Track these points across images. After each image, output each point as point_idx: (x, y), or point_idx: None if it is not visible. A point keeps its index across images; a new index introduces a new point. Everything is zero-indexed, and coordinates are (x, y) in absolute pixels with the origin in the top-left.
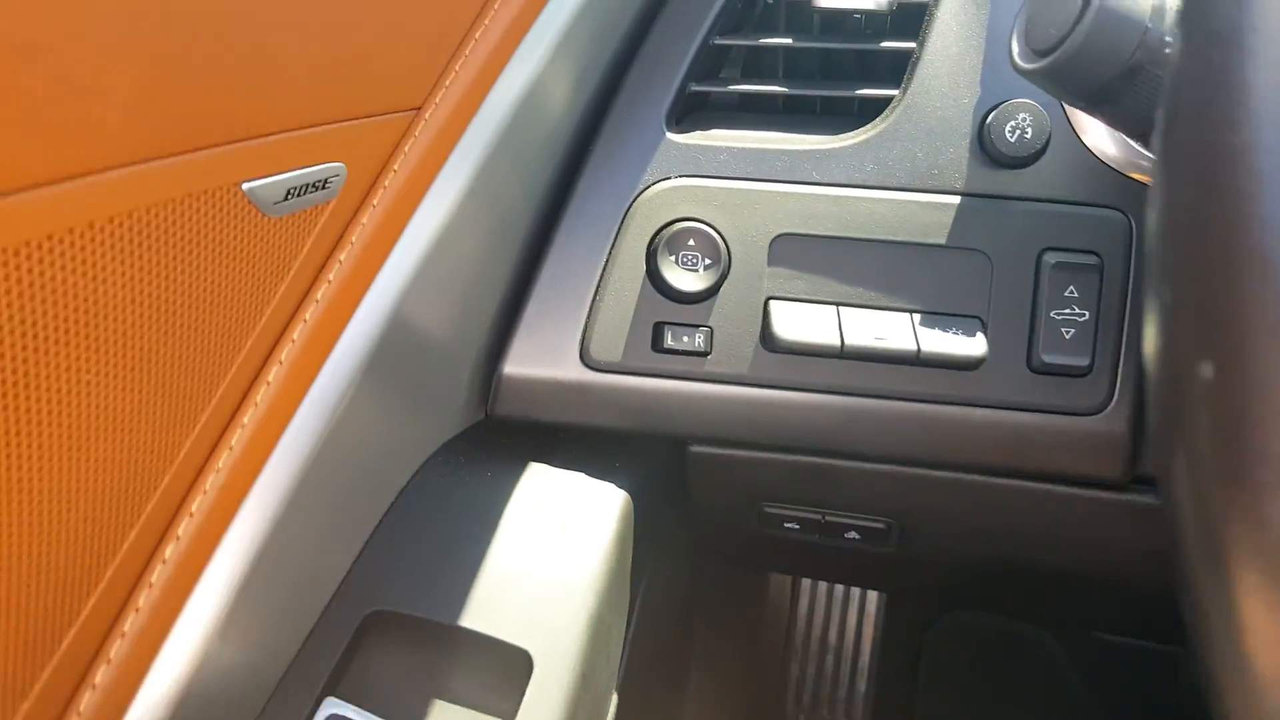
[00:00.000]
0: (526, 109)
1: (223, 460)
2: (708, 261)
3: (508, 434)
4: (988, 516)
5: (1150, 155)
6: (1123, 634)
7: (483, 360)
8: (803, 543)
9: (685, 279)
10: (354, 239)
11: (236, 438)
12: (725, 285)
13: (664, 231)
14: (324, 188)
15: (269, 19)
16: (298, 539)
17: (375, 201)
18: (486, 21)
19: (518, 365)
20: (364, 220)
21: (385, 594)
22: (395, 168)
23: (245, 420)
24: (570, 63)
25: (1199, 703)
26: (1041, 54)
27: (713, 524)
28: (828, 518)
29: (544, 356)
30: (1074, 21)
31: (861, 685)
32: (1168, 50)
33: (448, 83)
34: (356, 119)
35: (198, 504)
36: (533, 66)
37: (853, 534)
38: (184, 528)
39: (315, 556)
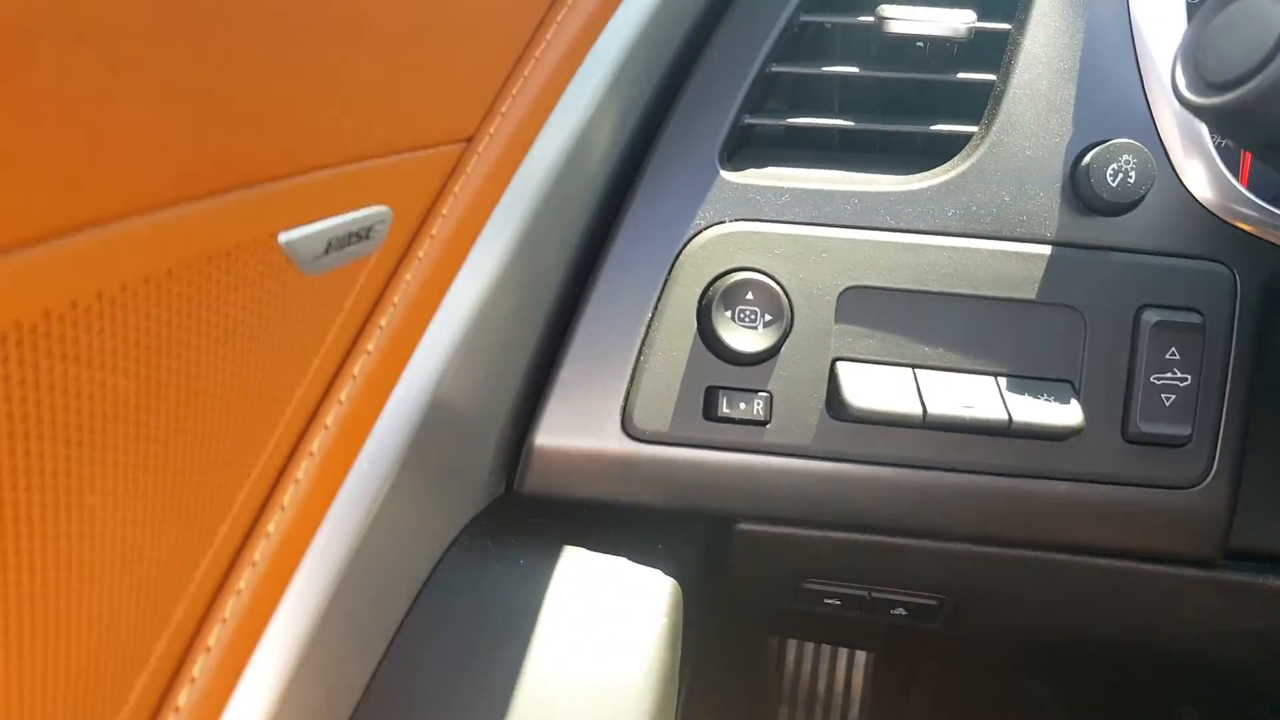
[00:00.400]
0: (579, 142)
1: (243, 580)
2: (768, 318)
3: (535, 511)
4: (1057, 593)
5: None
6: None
7: (509, 429)
8: (838, 617)
9: (742, 338)
10: (396, 299)
11: (260, 552)
12: (787, 345)
13: (718, 283)
14: (367, 237)
15: (307, 36)
16: (326, 652)
17: (421, 253)
18: (547, 39)
19: (550, 435)
20: (408, 276)
21: (412, 712)
22: (445, 211)
23: (270, 529)
24: (623, 92)
25: None
26: (1220, 88)
27: (744, 599)
28: (874, 594)
29: (580, 425)
30: (1272, 51)
31: None
32: None
33: (503, 109)
34: (403, 153)
35: (227, 613)
36: (590, 93)
37: (899, 610)
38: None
39: (340, 670)
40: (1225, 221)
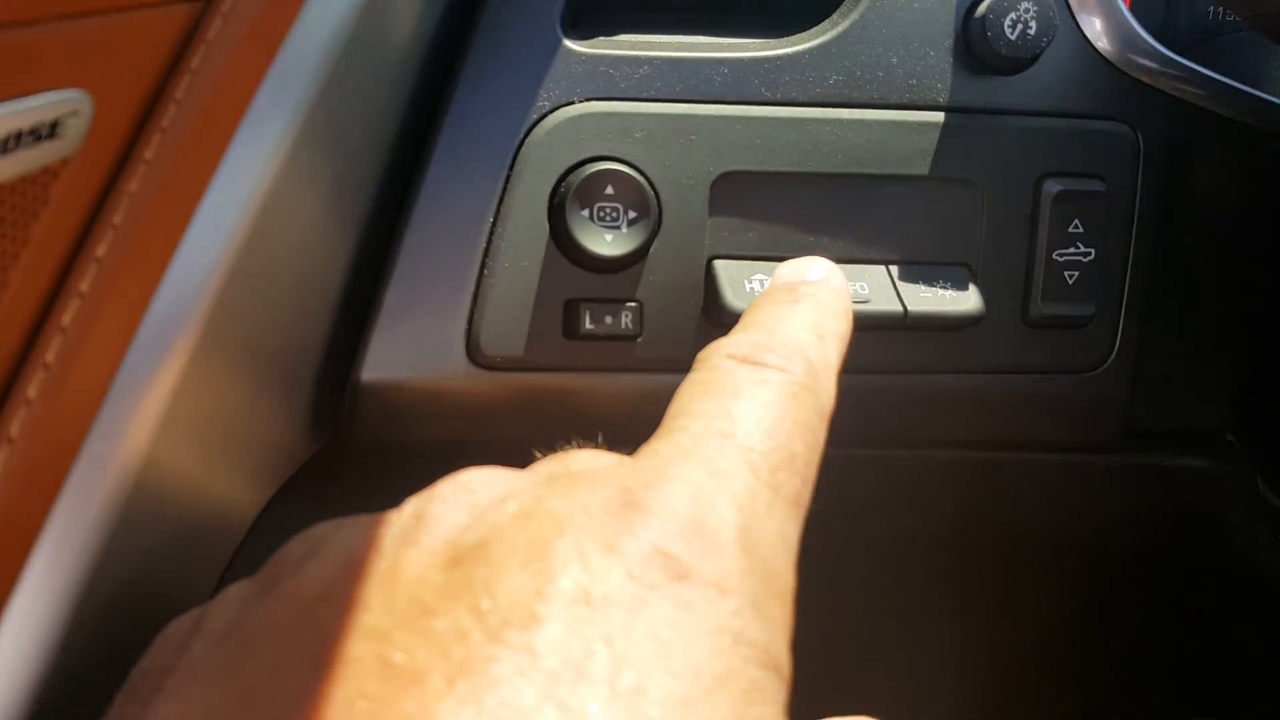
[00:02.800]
0: (371, 6)
1: None
2: (632, 215)
3: (368, 460)
4: (962, 491)
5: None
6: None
7: (327, 367)
8: None
9: (603, 240)
10: (118, 219)
11: None
12: (656, 245)
13: (570, 177)
14: (53, 135)
15: None
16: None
17: (149, 154)
18: None
19: (379, 369)
20: (131, 186)
21: None
22: (179, 95)
23: None
24: None
25: None
26: None
27: None
28: None
29: (416, 355)
30: None
31: None
32: None
33: None
34: (101, 13)
35: None
36: None
37: None
38: None
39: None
40: (1126, 74)
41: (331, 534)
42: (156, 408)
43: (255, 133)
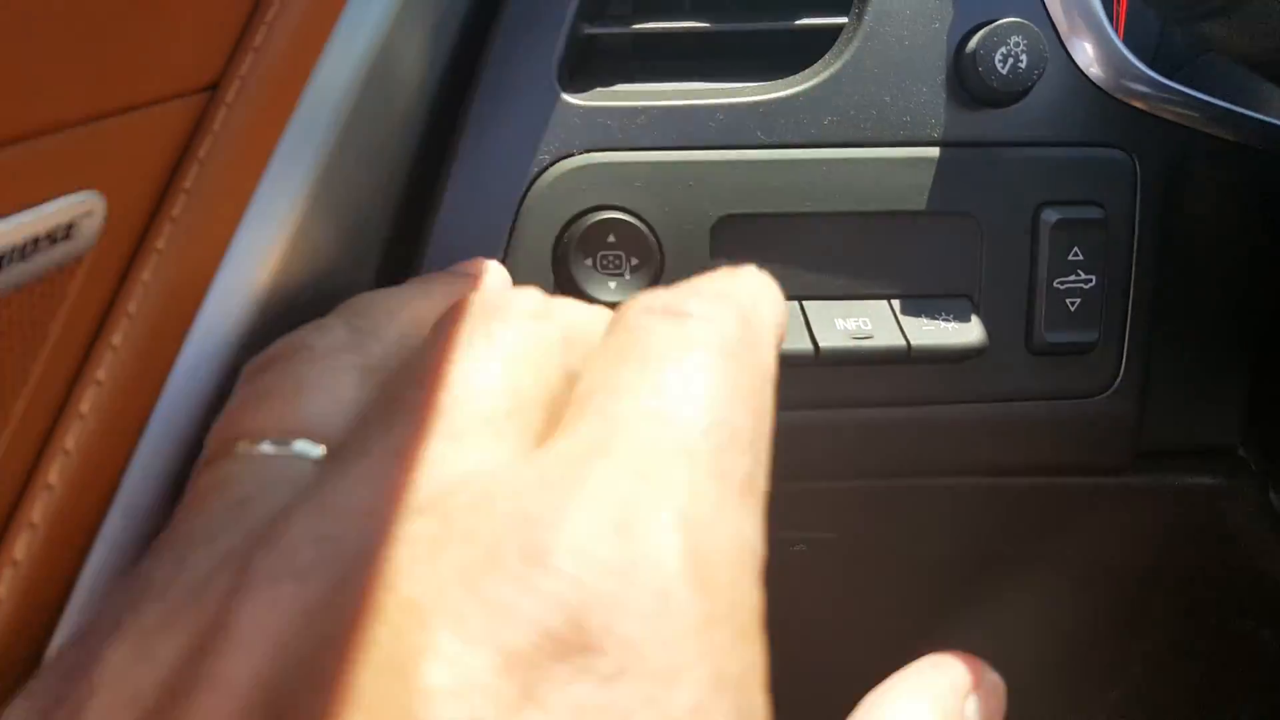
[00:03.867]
0: (377, 71)
1: None
2: (635, 262)
3: None
4: (968, 519)
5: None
6: None
7: None
8: None
9: (607, 288)
10: (133, 308)
11: None
12: None
13: (573, 227)
14: (68, 237)
15: None
16: None
17: (161, 243)
18: None
19: None
20: (145, 276)
21: None
22: (187, 185)
23: None
24: (427, 5)
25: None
26: None
27: None
28: (777, 535)
29: None
30: None
31: None
32: None
33: (257, 42)
34: (109, 115)
35: None
36: (379, 11)
37: (799, 546)
38: None
39: None
40: (1120, 101)
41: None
42: (170, 487)
43: (263, 210)
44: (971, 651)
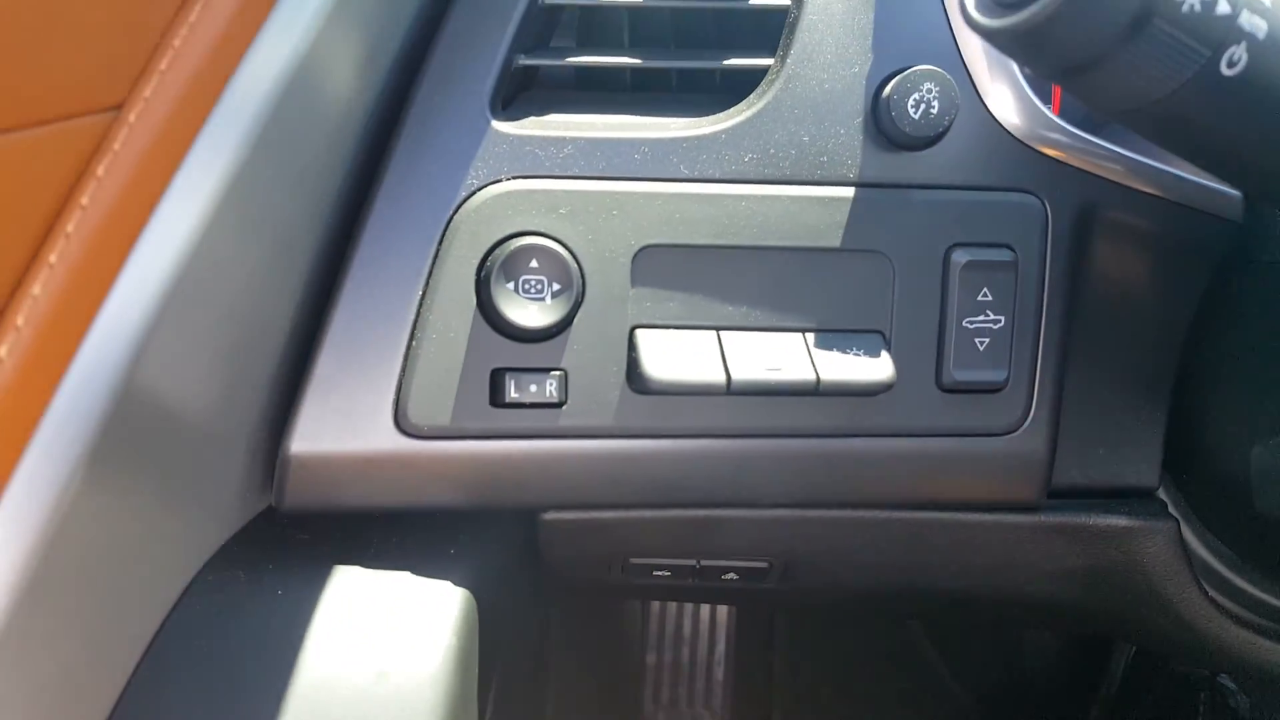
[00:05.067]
0: (296, 92)
1: None
2: (556, 287)
3: (303, 527)
4: (885, 551)
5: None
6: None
7: (261, 436)
8: (671, 585)
9: (528, 311)
10: (19, 321)
11: None
12: (580, 315)
13: (497, 251)
14: None
15: None
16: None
17: (52, 259)
18: None
19: (309, 440)
20: (34, 291)
21: None
22: (83, 201)
23: None
24: (355, 28)
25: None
26: (1011, 6)
27: (568, 580)
28: (703, 563)
29: (345, 426)
30: None
31: (719, 673)
32: None
33: (162, 66)
34: (11, 130)
35: None
36: (299, 33)
37: (731, 575)
38: None
39: None
40: (1033, 149)
41: None
42: (78, 479)
43: (166, 225)
44: (887, 681)
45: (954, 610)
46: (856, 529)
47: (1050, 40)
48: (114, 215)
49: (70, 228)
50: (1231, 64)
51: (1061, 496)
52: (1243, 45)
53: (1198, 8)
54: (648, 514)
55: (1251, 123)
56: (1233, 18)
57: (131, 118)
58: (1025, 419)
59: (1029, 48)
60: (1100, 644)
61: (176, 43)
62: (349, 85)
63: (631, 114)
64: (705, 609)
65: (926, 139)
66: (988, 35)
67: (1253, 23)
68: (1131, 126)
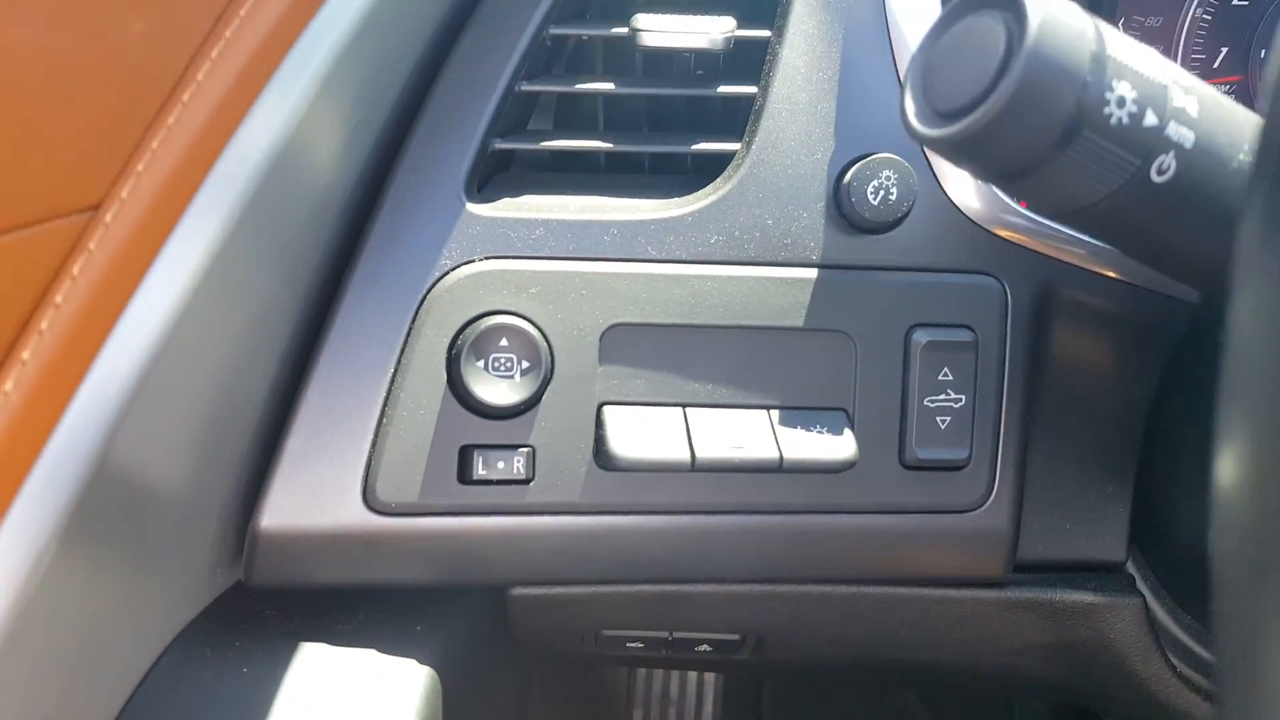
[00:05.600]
0: (276, 178)
1: None
2: (525, 365)
3: (272, 602)
4: (855, 624)
5: (1060, 229)
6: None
7: (233, 510)
8: (648, 655)
9: (498, 389)
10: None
11: None
12: (548, 393)
13: (468, 330)
14: None
15: None
16: None
17: (25, 356)
18: (213, 56)
19: (279, 516)
20: (6, 388)
21: None
22: (57, 300)
23: None
24: (338, 112)
25: None
26: (949, 117)
27: (540, 653)
28: (676, 635)
29: (314, 502)
30: (994, 77)
31: None
32: (1108, 111)
33: (139, 168)
34: None
35: None
36: (281, 121)
37: (704, 647)
38: None
39: None
40: (992, 233)
41: None
42: (50, 552)
43: (142, 315)
44: None
45: (935, 680)
46: (824, 603)
47: (986, 149)
48: (87, 312)
49: (44, 325)
50: (1161, 171)
51: (1029, 570)
52: (1171, 154)
53: (1125, 120)
54: (617, 589)
55: (1183, 225)
56: (1160, 129)
57: (108, 218)
58: (988, 496)
59: (966, 155)
60: (1091, 713)
61: (155, 144)
62: (329, 169)
63: (605, 195)
64: (692, 682)
65: (886, 223)
66: (928, 143)
67: (1180, 133)
68: (1072, 226)
